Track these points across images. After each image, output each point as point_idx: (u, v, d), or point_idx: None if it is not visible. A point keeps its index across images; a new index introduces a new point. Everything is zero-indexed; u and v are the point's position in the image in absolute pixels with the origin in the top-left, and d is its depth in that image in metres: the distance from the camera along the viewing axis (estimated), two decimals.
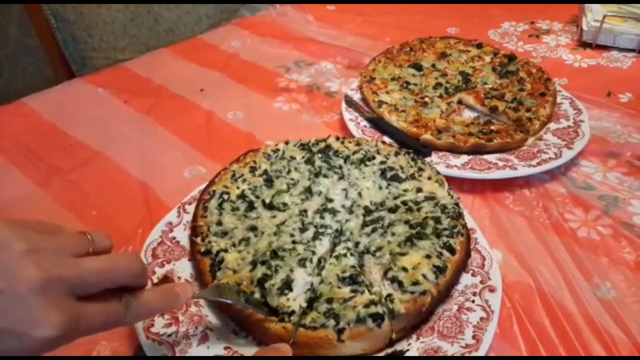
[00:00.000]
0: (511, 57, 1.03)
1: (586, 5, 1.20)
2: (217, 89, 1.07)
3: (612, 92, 1.00)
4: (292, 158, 0.75)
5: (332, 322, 0.52)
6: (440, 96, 0.95)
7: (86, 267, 0.40)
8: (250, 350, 0.54)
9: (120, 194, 0.80)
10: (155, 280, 0.60)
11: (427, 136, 0.83)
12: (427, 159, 0.77)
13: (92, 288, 0.41)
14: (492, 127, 0.85)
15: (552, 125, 0.86)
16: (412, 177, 0.70)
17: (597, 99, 0.97)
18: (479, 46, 1.08)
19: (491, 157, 0.80)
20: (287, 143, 0.78)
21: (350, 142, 0.78)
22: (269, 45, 1.24)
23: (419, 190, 0.68)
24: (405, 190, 0.69)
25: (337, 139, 0.78)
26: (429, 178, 0.70)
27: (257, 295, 0.55)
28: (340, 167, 0.73)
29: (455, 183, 0.76)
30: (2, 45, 1.21)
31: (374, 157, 0.74)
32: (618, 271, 0.64)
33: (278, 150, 0.76)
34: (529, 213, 0.74)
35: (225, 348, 0.54)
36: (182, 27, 1.43)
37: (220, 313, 0.57)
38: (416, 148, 0.80)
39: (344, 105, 0.94)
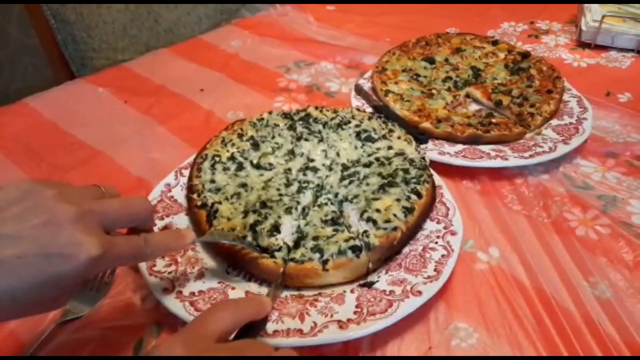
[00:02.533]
0: (525, 55, 1.03)
1: (585, 5, 1.21)
2: (217, 88, 1.07)
3: (611, 92, 1.00)
4: (276, 125, 0.83)
5: (317, 255, 0.60)
6: (449, 89, 0.95)
7: (107, 205, 0.48)
8: (241, 285, 0.61)
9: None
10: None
11: (426, 124, 0.84)
12: (423, 146, 0.80)
13: (116, 223, 0.48)
14: (492, 120, 0.86)
15: (554, 122, 0.86)
16: (384, 137, 0.79)
17: (596, 98, 0.97)
18: (495, 43, 1.09)
19: (485, 148, 0.80)
20: (270, 113, 0.85)
21: (328, 110, 0.86)
22: (269, 46, 1.24)
23: (389, 148, 0.77)
24: (377, 149, 0.77)
25: (316, 108, 0.87)
26: (399, 137, 0.79)
27: (249, 239, 0.62)
28: (320, 132, 0.81)
29: (455, 182, 0.77)
30: (2, 45, 1.21)
31: (349, 122, 0.83)
32: (616, 270, 0.65)
33: (262, 119, 0.84)
34: (528, 212, 0.74)
35: (219, 282, 0.60)
36: (182, 27, 1.44)
37: (215, 256, 0.64)
38: (414, 135, 0.81)
39: (353, 92, 0.98)
